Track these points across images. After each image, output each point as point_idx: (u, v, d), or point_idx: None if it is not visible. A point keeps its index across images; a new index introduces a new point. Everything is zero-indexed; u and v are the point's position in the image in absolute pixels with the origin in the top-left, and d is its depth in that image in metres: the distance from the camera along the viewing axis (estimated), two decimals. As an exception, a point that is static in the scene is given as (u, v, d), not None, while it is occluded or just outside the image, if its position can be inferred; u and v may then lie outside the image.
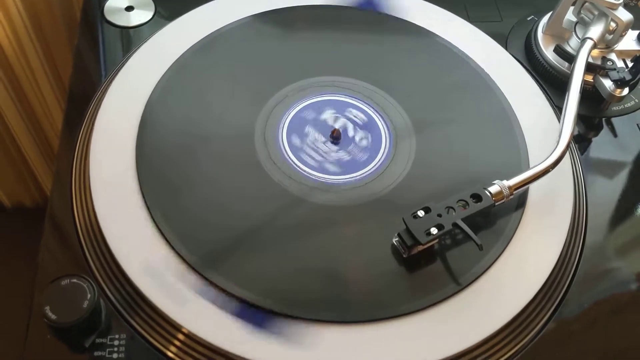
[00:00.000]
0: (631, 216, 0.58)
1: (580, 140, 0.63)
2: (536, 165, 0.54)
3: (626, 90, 0.61)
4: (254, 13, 0.66)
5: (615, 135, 0.63)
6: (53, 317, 0.43)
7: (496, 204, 0.52)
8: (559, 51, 0.64)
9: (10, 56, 0.78)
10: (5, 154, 0.91)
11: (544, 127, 0.60)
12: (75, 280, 0.44)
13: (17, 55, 0.79)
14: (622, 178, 0.61)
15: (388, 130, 0.59)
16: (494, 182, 0.52)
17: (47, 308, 0.43)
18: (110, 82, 0.60)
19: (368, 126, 0.59)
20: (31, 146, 0.93)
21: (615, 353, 0.51)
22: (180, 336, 0.47)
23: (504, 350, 0.48)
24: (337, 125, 0.59)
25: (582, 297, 0.53)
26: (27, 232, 0.81)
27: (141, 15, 0.67)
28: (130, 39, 0.66)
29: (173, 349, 0.47)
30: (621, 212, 0.58)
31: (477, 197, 0.52)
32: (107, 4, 0.68)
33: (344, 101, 0.61)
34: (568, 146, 0.55)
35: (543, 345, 0.50)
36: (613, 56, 0.63)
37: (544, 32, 0.67)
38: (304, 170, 0.55)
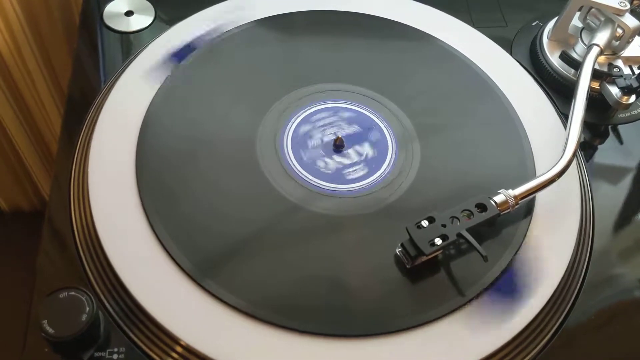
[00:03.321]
0: (638, 222, 0.57)
1: (586, 148, 0.62)
2: (542, 175, 0.53)
3: (633, 98, 0.61)
4: (255, 19, 0.65)
5: (621, 142, 0.63)
6: (51, 331, 0.42)
7: (501, 213, 0.51)
8: (565, 57, 0.63)
9: (8, 60, 0.78)
10: (2, 157, 0.90)
11: (549, 134, 0.59)
12: (73, 293, 0.43)
13: (15, 59, 0.78)
14: (628, 185, 0.60)
15: (393, 137, 0.58)
16: (500, 191, 0.52)
17: (45, 322, 0.42)
18: (111, 87, 0.59)
19: (372, 134, 0.58)
20: (29, 150, 0.92)
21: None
22: (179, 349, 0.46)
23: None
24: (340, 134, 0.58)
25: (590, 305, 0.52)
26: (25, 237, 0.80)
27: (141, 20, 0.67)
28: (130, 44, 0.65)
29: (172, 362, 0.46)
30: (628, 219, 0.58)
31: (482, 207, 0.51)
32: (107, 9, 0.67)
33: (348, 108, 0.60)
34: (574, 155, 0.54)
35: (552, 354, 0.49)
36: (620, 63, 0.62)
37: (549, 38, 0.66)
38: (307, 178, 0.55)
